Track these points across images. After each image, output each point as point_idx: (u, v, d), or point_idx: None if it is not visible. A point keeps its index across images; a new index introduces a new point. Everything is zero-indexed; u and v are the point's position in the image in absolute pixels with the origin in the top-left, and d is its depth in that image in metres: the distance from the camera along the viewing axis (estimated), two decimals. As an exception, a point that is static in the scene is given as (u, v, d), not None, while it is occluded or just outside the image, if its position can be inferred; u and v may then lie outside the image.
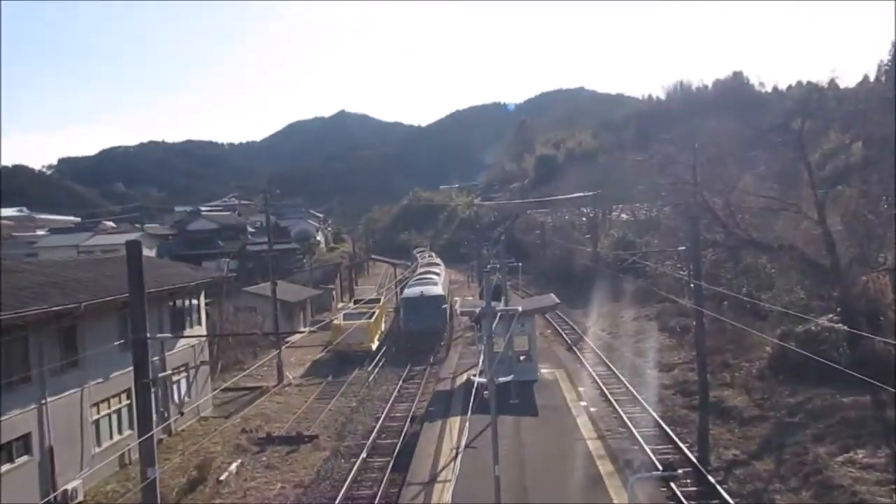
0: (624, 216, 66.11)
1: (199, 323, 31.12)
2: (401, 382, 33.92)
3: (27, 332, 19.29)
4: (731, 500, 17.56)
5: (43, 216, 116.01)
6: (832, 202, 29.34)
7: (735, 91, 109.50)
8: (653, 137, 58.01)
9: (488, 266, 29.13)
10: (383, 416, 28.02)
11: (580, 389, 27.58)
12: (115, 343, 22.05)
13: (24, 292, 19.74)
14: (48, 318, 19.50)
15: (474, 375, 22.81)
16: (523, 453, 19.78)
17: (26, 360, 19.34)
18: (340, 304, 64.94)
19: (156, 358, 24.31)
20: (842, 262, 26.95)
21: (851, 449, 19.40)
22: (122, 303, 21.01)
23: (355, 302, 53.66)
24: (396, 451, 23.24)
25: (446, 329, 44.63)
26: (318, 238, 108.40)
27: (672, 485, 18.28)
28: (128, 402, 23.58)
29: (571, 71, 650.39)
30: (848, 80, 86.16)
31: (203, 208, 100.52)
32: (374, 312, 43.86)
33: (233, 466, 22.59)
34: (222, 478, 21.61)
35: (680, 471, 18.21)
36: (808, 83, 77.51)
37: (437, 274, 56.00)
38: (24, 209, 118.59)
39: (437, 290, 46.29)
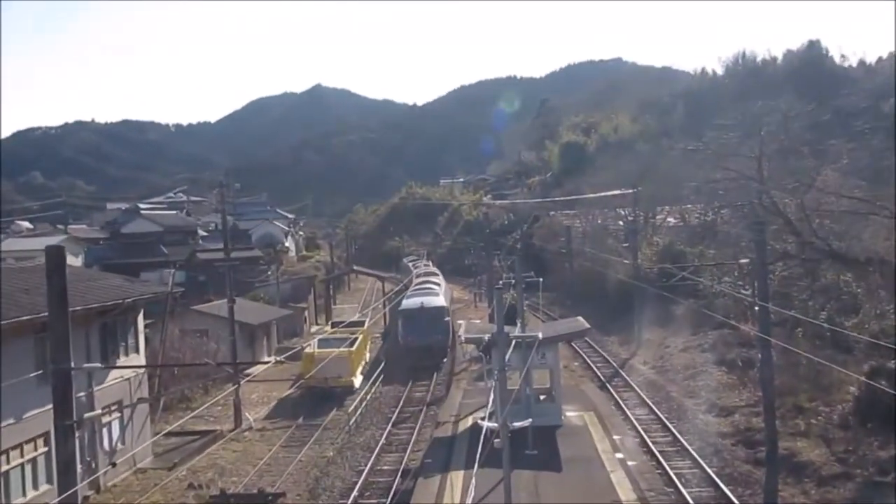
0: (671, 220, 66.21)
1: (137, 350, 31.11)
2: (389, 427, 33.93)
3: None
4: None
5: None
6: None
7: (810, 65, 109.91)
8: (707, 122, 58.03)
9: (500, 281, 29.27)
10: (367, 468, 27.97)
11: (615, 438, 27.47)
12: (31, 374, 21.94)
13: None
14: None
15: (482, 419, 22.76)
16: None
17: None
18: (314, 328, 64.99)
19: (81, 394, 24.19)
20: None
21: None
22: (41, 324, 20.99)
23: (333, 325, 53.62)
24: (383, 514, 23.21)
25: (449, 343, 46.72)
26: (287, 244, 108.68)
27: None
28: (45, 449, 23.43)
29: (606, 38, 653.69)
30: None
31: (142, 206, 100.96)
32: (356, 339, 43.85)
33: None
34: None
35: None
36: (903, 55, 78.00)
37: (438, 284, 58.01)
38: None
39: (440, 300, 49.02)
